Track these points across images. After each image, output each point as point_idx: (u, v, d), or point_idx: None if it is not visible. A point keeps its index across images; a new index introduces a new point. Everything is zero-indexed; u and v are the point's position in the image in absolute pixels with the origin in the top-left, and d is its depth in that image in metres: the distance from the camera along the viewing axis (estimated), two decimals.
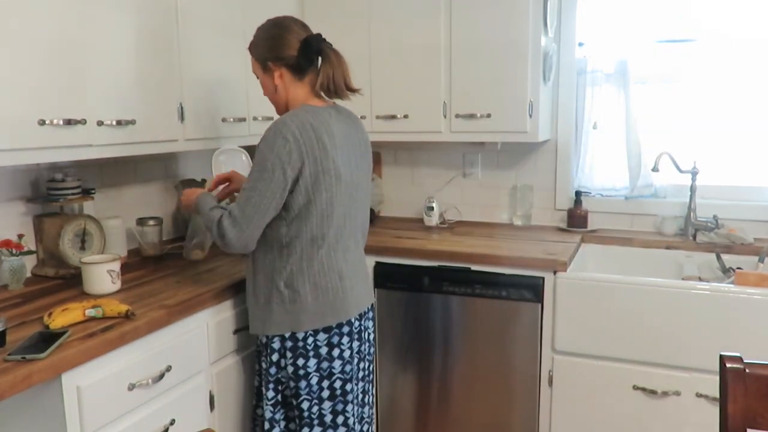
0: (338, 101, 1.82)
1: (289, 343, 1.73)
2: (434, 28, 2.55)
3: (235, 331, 1.94)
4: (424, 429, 2.55)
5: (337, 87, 1.75)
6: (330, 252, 1.74)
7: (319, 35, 1.76)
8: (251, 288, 1.80)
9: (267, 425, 1.80)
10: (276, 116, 1.77)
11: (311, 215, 1.68)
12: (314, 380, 1.74)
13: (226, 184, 1.99)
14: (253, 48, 1.82)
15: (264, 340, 1.79)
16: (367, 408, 1.96)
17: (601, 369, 2.20)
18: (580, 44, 2.74)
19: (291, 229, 1.69)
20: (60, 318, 1.53)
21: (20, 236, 1.93)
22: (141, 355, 1.60)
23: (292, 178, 1.63)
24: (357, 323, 1.82)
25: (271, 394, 1.79)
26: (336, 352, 1.76)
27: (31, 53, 1.58)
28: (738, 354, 1.16)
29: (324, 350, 1.74)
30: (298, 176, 1.63)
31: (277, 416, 1.80)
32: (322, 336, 1.73)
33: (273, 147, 1.62)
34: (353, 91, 1.78)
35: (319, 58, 1.74)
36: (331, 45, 1.76)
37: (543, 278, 2.26)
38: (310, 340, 1.73)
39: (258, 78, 1.84)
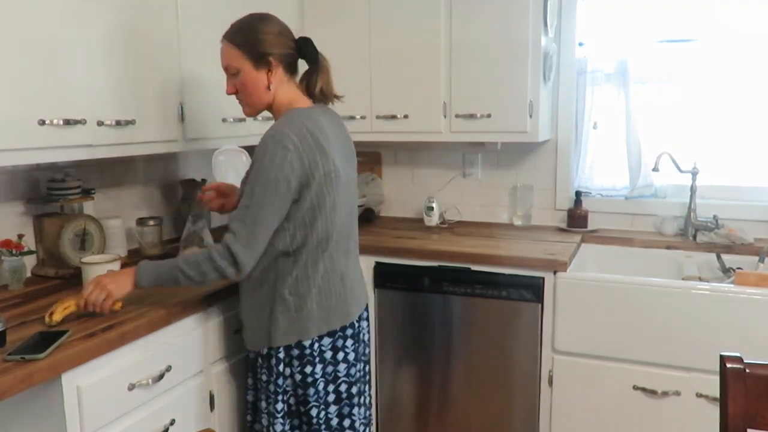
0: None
1: (295, 351, 1.67)
2: (434, 29, 2.55)
3: (236, 331, 1.94)
4: (424, 429, 2.55)
5: (329, 92, 1.76)
6: (333, 254, 1.71)
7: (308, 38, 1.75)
8: (249, 303, 1.72)
9: None
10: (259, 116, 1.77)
11: (317, 220, 1.63)
12: (321, 386, 1.70)
13: (221, 201, 1.95)
14: (247, 40, 1.66)
15: (264, 351, 1.70)
16: (363, 409, 1.95)
17: (601, 369, 2.20)
18: (580, 44, 2.74)
19: (297, 237, 1.63)
20: (59, 315, 1.54)
21: (20, 236, 1.92)
22: (141, 355, 1.60)
23: (296, 188, 1.58)
24: (357, 325, 1.81)
25: (280, 406, 1.70)
26: (341, 355, 1.73)
27: (30, 53, 1.58)
28: (738, 354, 1.17)
29: (328, 354, 1.70)
30: (302, 185, 1.59)
31: (287, 427, 1.73)
32: (326, 340, 1.70)
33: (274, 158, 1.54)
34: (338, 97, 1.80)
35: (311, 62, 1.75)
36: None
37: (543, 278, 2.26)
38: (316, 345, 1.68)
39: (237, 73, 1.68)
